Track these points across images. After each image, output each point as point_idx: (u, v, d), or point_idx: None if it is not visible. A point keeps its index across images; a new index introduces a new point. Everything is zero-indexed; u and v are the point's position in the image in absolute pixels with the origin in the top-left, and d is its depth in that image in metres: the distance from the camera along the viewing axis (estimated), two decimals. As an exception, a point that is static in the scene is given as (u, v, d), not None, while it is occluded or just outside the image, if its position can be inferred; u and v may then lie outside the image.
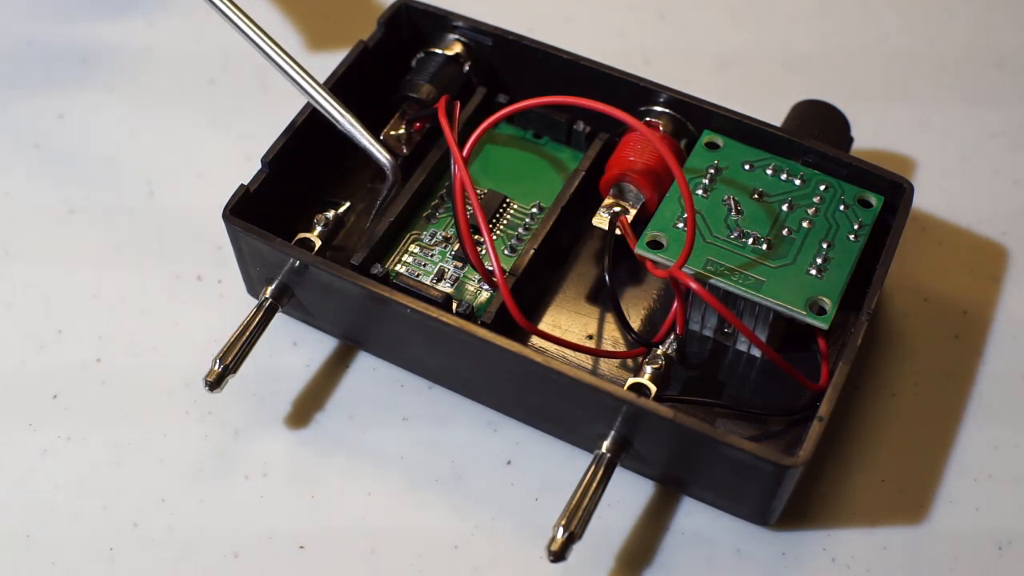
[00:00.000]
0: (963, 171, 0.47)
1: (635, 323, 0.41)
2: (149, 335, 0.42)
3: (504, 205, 0.43)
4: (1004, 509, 0.39)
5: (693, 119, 0.42)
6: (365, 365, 0.42)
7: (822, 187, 0.40)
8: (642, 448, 0.37)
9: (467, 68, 0.45)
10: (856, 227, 0.39)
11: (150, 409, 0.41)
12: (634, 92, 0.42)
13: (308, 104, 0.42)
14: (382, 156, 0.41)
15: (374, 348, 0.42)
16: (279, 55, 0.41)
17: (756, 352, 0.40)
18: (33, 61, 0.50)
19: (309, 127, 0.42)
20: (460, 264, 0.41)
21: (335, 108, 0.41)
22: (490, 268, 0.39)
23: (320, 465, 0.40)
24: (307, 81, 0.41)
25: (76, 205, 0.46)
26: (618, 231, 0.40)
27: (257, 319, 0.40)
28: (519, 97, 0.41)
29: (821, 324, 0.37)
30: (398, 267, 0.41)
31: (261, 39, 0.42)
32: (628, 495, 0.39)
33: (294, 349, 0.42)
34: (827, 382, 0.37)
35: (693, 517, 0.39)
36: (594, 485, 0.36)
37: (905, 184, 0.40)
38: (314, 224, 0.41)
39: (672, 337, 0.39)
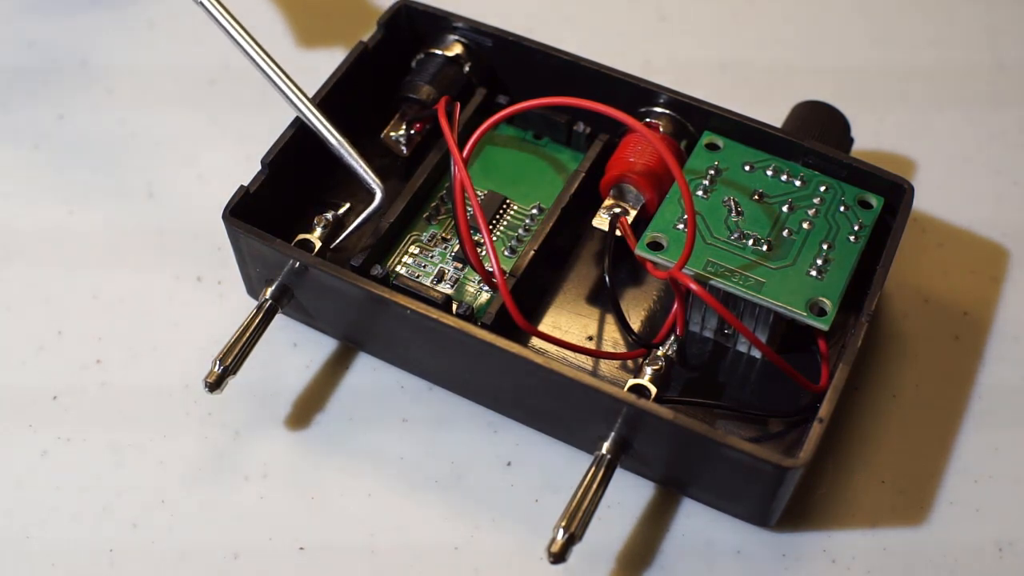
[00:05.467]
0: (963, 172, 0.47)
1: (635, 324, 0.41)
2: (149, 336, 0.42)
3: (504, 206, 0.43)
4: (1004, 510, 0.39)
5: (693, 120, 0.42)
6: (365, 366, 0.42)
7: (822, 188, 0.40)
8: (642, 449, 0.37)
9: (467, 69, 0.44)
10: (856, 228, 0.39)
11: (150, 410, 0.41)
12: (634, 93, 0.42)
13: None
14: (371, 180, 0.41)
15: (374, 349, 0.41)
16: (274, 71, 0.41)
17: (756, 353, 0.40)
18: (33, 62, 0.50)
19: (309, 128, 0.42)
20: (460, 265, 0.41)
21: (328, 130, 0.41)
22: (490, 269, 0.39)
23: (320, 466, 0.39)
24: (301, 100, 0.41)
25: (76, 205, 0.46)
26: (618, 232, 0.40)
27: (257, 320, 0.40)
28: (519, 98, 0.41)
29: (821, 325, 0.37)
30: (398, 268, 0.41)
31: (259, 56, 0.41)
32: (628, 496, 0.39)
33: (294, 350, 0.42)
34: (827, 383, 0.37)
35: (693, 519, 0.39)
36: (594, 486, 0.36)
37: (905, 185, 0.40)
38: (314, 225, 0.41)
39: (672, 338, 0.39)
